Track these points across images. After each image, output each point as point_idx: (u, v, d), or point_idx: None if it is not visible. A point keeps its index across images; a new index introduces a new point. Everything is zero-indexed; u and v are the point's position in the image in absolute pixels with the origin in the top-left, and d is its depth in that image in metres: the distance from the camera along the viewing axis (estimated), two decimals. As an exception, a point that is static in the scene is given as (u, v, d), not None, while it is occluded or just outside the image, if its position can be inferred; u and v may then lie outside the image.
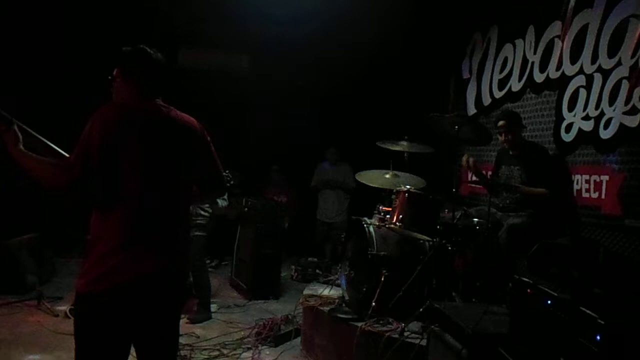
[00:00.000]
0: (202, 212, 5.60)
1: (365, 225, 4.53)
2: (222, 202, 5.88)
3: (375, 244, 4.37)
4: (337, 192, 8.08)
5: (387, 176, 4.98)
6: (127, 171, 2.30)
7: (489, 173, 5.17)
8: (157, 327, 2.44)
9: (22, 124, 2.46)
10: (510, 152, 4.85)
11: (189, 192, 2.58)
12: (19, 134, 2.37)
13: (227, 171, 2.92)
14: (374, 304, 4.10)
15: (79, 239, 6.72)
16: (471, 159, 4.85)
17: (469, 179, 6.54)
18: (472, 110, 6.82)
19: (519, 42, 5.91)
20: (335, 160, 8.14)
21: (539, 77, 5.49)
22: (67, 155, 2.42)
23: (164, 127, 2.42)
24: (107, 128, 2.28)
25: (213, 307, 5.80)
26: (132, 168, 2.31)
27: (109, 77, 2.51)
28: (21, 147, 2.34)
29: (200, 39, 8.24)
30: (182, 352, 4.49)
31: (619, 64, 4.39)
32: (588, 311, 2.11)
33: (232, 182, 3.79)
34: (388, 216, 4.62)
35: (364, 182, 5.18)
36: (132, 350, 2.44)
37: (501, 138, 4.80)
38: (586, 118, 4.72)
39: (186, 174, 2.50)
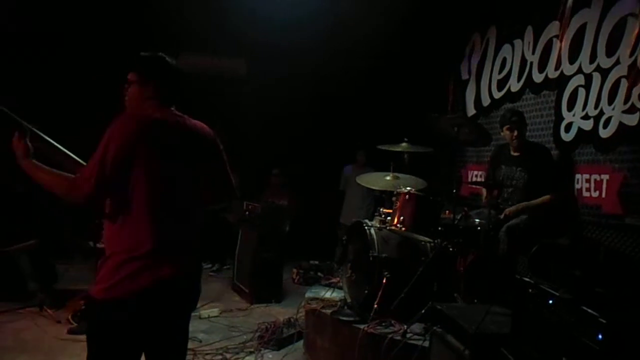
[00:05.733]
0: None
1: (366, 228, 4.53)
2: None
3: (376, 246, 4.37)
4: (362, 195, 7.97)
5: (388, 178, 4.99)
6: (147, 182, 2.29)
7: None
8: (172, 330, 2.47)
9: (41, 133, 2.46)
10: (511, 153, 4.80)
11: (202, 197, 2.59)
12: (31, 146, 2.37)
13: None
14: (376, 306, 4.09)
15: (80, 245, 6.71)
16: None
17: (469, 179, 6.55)
18: (471, 110, 6.83)
19: (517, 43, 5.92)
20: (362, 163, 8.03)
21: (537, 77, 5.50)
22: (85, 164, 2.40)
23: (181, 136, 2.43)
24: (126, 140, 2.27)
25: (215, 312, 5.80)
26: (151, 179, 2.30)
27: (126, 82, 2.49)
28: (32, 159, 2.35)
29: (198, 43, 8.24)
30: (185, 357, 4.50)
31: (617, 62, 4.40)
32: (590, 310, 2.11)
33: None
34: (389, 218, 4.62)
35: (364, 185, 5.22)
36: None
37: (510, 134, 4.67)
38: (585, 117, 4.73)
39: (201, 181, 2.52)
